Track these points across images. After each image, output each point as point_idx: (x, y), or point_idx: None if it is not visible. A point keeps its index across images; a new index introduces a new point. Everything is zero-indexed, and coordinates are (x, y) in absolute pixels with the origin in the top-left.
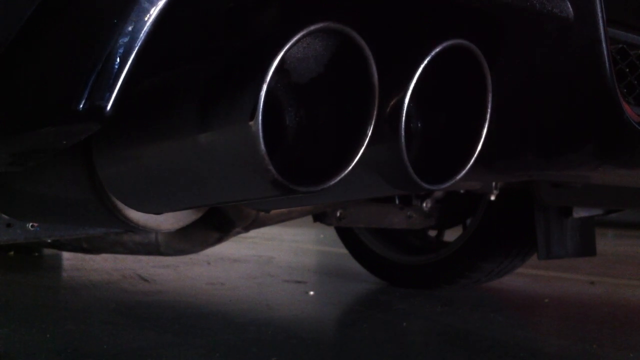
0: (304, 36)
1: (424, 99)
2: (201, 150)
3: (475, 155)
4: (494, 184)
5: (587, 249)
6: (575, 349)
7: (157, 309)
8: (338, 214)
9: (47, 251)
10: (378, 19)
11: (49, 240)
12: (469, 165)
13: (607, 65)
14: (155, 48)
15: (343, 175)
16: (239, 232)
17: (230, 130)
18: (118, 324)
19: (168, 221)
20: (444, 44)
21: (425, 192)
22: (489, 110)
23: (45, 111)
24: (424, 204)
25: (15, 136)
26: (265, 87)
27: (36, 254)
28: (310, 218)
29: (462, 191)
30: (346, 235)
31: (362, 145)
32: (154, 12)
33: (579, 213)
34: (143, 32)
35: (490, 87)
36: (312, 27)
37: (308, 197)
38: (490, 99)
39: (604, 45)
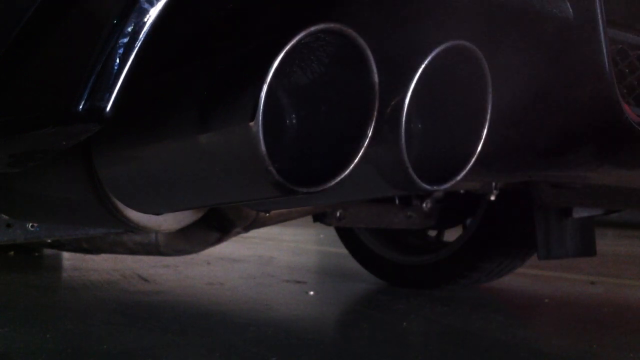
0: (304, 37)
1: (425, 100)
2: (201, 151)
3: (476, 155)
4: (494, 184)
5: (587, 249)
6: (575, 349)
7: (157, 309)
8: (338, 214)
9: (47, 251)
10: (378, 19)
11: (49, 240)
12: (469, 166)
13: (607, 65)
14: (155, 49)
15: (343, 175)
16: (238, 232)
17: (231, 131)
18: (118, 324)
19: (168, 221)
20: (445, 45)
21: (425, 193)
22: (489, 110)
23: (45, 112)
24: (424, 204)
25: (15, 137)
26: (265, 87)
27: (36, 254)
28: (310, 218)
29: (462, 191)
30: (346, 235)
31: (363, 145)
32: (153, 12)
33: (579, 213)
34: (143, 32)
35: (490, 88)
36: (313, 28)
37: (308, 197)
38: (490, 99)
39: (604, 45)
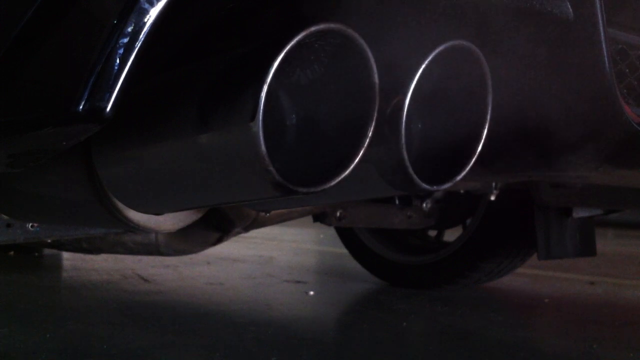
0: (304, 37)
1: (425, 100)
2: (202, 151)
3: (476, 156)
4: (494, 184)
5: (587, 249)
6: (575, 349)
7: (157, 309)
8: (338, 214)
9: (47, 251)
10: (379, 20)
11: (49, 240)
12: (469, 166)
13: (607, 65)
14: (155, 49)
15: (343, 176)
16: (239, 232)
17: (231, 131)
18: (118, 324)
19: (168, 221)
20: (445, 45)
21: (425, 193)
22: (489, 110)
23: (45, 112)
24: (424, 204)
25: (15, 137)
26: (265, 87)
27: (36, 254)
28: (310, 218)
29: (462, 191)
30: (346, 235)
31: (363, 146)
32: (153, 12)
33: (579, 213)
34: (143, 32)
35: (490, 88)
36: (313, 28)
37: (308, 197)
38: (490, 99)
39: (603, 45)
